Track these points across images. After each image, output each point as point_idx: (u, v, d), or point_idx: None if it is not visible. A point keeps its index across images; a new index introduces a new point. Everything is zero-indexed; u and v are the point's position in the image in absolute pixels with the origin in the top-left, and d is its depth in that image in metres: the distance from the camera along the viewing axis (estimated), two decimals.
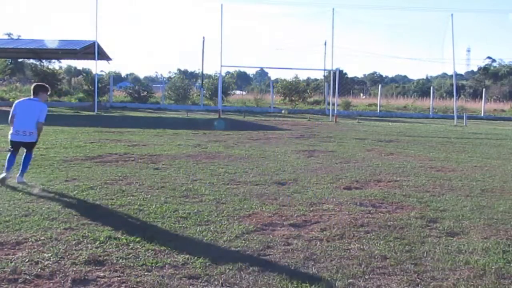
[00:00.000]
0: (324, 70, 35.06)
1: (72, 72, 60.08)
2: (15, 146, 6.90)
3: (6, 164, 6.76)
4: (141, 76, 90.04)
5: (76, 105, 30.05)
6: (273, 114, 28.52)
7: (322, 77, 46.94)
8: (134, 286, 3.46)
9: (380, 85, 38.17)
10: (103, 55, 29.24)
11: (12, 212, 5.16)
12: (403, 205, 6.02)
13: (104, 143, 11.53)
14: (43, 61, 39.32)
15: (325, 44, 34.70)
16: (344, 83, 37.41)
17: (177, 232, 4.69)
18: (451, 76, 39.85)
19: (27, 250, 4.07)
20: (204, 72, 41.78)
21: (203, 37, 40.20)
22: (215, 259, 3.96)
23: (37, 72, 33.85)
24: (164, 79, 51.90)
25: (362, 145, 12.72)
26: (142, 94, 33.93)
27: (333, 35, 27.30)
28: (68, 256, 3.95)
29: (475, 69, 74.37)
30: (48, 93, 7.31)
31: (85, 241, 4.33)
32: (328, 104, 29.99)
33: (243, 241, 4.45)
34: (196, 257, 3.99)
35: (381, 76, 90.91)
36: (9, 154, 6.90)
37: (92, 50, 26.84)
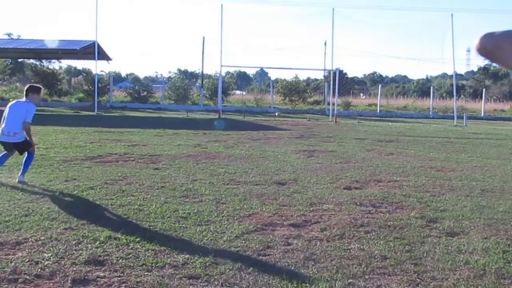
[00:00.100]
0: (324, 70, 35.05)
1: (72, 72, 60.06)
2: (4, 146, 7.01)
3: None
4: (141, 76, 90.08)
5: (76, 105, 30.05)
6: (273, 114, 28.52)
7: (322, 77, 46.94)
8: (134, 286, 3.46)
9: (380, 85, 38.18)
10: (103, 55, 29.24)
11: (12, 212, 5.16)
12: (403, 205, 6.02)
13: (104, 143, 11.53)
14: (43, 61, 39.29)
15: (325, 44, 34.69)
16: (344, 83, 37.36)
17: (177, 232, 4.69)
18: (451, 76, 39.87)
19: (27, 250, 4.07)
20: (204, 72, 41.81)
21: (203, 37, 40.22)
22: (215, 259, 3.96)
23: (37, 72, 33.85)
24: (164, 79, 51.98)
25: (362, 145, 12.72)
26: (142, 94, 33.93)
27: (333, 35, 27.31)
28: (68, 256, 3.95)
29: (475, 69, 74.29)
30: (41, 94, 7.36)
31: (85, 241, 4.33)
32: (328, 104, 29.98)
33: (243, 241, 4.45)
34: (196, 257, 3.99)
35: (381, 76, 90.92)
36: (2, 153, 7.03)
37: (92, 50, 26.84)
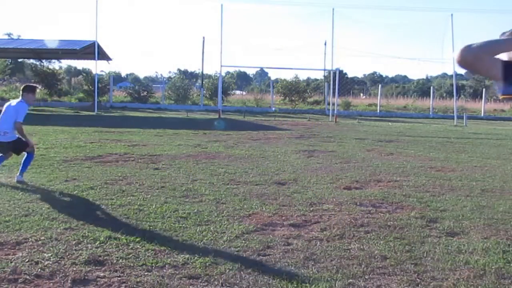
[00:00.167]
0: (324, 70, 35.04)
1: (72, 72, 60.04)
2: None
3: None
4: (141, 76, 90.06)
5: (76, 105, 30.05)
6: (273, 114, 28.52)
7: (322, 77, 46.94)
8: (134, 286, 3.46)
9: (380, 85, 38.18)
10: (103, 55, 29.23)
11: (12, 212, 5.16)
12: (403, 205, 6.02)
13: (104, 143, 11.53)
14: (43, 61, 39.28)
15: (325, 44, 34.68)
16: (344, 83, 37.34)
17: (177, 232, 4.69)
18: (451, 76, 39.86)
19: (27, 250, 4.07)
20: (204, 72, 41.80)
21: (203, 37, 40.21)
22: (215, 259, 3.96)
23: (37, 72, 33.86)
24: (164, 79, 51.98)
25: (362, 145, 12.72)
26: (142, 94, 33.92)
27: (333, 35, 27.32)
28: (68, 256, 3.95)
29: None
30: (35, 93, 7.31)
31: (85, 241, 4.33)
32: (328, 104, 29.99)
33: (243, 241, 4.45)
34: (196, 257, 3.99)
35: (381, 76, 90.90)
36: None
37: (92, 50, 26.83)
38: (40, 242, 4.27)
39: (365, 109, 35.16)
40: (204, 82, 36.82)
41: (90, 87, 30.41)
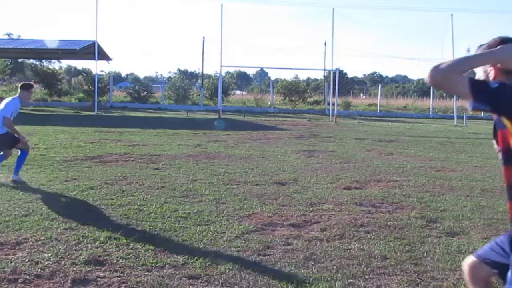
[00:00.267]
0: (324, 70, 35.05)
1: (72, 72, 60.04)
2: None
3: None
4: (141, 76, 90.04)
5: (76, 105, 30.04)
6: (273, 114, 28.52)
7: (322, 77, 46.95)
8: (134, 286, 3.46)
9: (380, 85, 38.17)
10: (103, 55, 29.22)
11: (12, 212, 5.16)
12: (403, 205, 6.02)
13: (104, 143, 11.53)
14: (43, 61, 39.29)
15: (325, 44, 34.68)
16: (344, 83, 37.33)
17: (177, 232, 4.69)
18: None
19: (27, 250, 4.07)
20: (204, 72, 41.78)
21: (203, 37, 40.21)
22: (215, 259, 3.96)
23: (37, 72, 33.84)
24: (164, 79, 51.97)
25: (362, 145, 12.72)
26: (142, 94, 33.90)
27: (333, 35, 27.32)
28: (68, 256, 3.95)
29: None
30: (30, 91, 7.24)
31: (85, 241, 4.33)
32: (328, 104, 29.98)
33: (243, 241, 4.45)
34: (196, 257, 3.99)
35: (381, 76, 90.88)
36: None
37: (92, 50, 26.82)
38: (40, 242, 4.27)
39: (365, 109, 35.15)
40: (204, 82, 36.80)
41: (90, 87, 30.39)
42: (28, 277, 3.53)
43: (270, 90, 36.48)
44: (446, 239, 4.68)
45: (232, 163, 8.97)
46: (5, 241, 4.27)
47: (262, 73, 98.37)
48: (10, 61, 43.23)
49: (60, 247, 4.15)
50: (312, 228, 4.97)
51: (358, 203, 6.03)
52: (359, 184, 7.31)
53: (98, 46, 26.67)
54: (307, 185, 7.12)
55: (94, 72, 30.53)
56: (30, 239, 4.33)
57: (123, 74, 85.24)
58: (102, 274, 3.62)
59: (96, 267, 3.75)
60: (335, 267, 3.89)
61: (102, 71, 48.95)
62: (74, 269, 3.69)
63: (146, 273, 3.66)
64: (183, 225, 4.92)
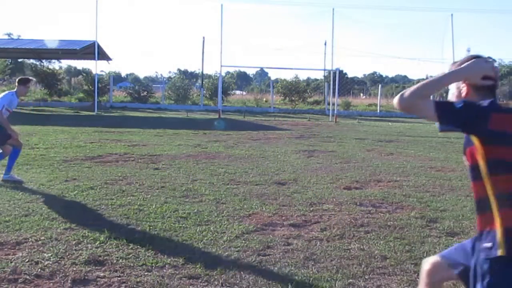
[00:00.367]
0: (324, 70, 35.06)
1: (72, 72, 60.03)
2: None
3: None
4: (141, 76, 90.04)
5: (76, 105, 30.04)
6: (273, 114, 28.52)
7: (322, 77, 46.95)
8: (134, 286, 3.46)
9: (380, 85, 38.16)
10: (103, 55, 29.22)
11: (12, 212, 5.16)
12: (403, 205, 6.02)
13: (104, 143, 11.53)
14: (43, 61, 39.29)
15: (325, 44, 34.71)
16: (344, 83, 37.32)
17: (177, 232, 4.69)
18: None
19: (27, 250, 4.07)
20: (204, 72, 41.79)
21: (203, 37, 40.22)
22: (215, 259, 3.96)
23: (37, 72, 33.83)
24: (164, 79, 51.95)
25: (362, 145, 12.72)
26: (142, 94, 33.90)
27: (333, 35, 27.30)
28: (68, 256, 3.95)
29: None
30: (26, 85, 7.10)
31: (85, 241, 4.33)
32: (328, 104, 29.98)
33: (243, 241, 4.45)
34: (196, 257, 3.99)
35: (381, 76, 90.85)
36: None
37: (92, 50, 26.82)
38: (40, 242, 4.27)
39: (365, 109, 35.15)
40: (204, 82, 36.80)
41: (90, 87, 30.38)
42: (28, 277, 3.53)
43: (270, 90, 36.47)
44: (446, 239, 4.69)
45: (232, 163, 8.97)
46: (5, 241, 4.27)
47: (262, 73, 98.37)
48: (10, 61, 43.25)
49: (60, 247, 4.15)
50: (312, 228, 4.97)
51: (358, 203, 6.03)
52: (359, 184, 7.31)
53: (98, 46, 26.67)
54: (307, 185, 7.12)
55: (94, 72, 30.54)
56: (30, 239, 4.33)
57: (123, 74, 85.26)
58: (102, 274, 3.62)
59: (96, 267, 3.75)
60: (335, 267, 3.89)
61: (102, 71, 48.96)
62: (74, 269, 3.69)
63: (146, 273, 3.66)
64: (183, 225, 4.92)
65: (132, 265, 3.82)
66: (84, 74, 35.50)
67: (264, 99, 32.79)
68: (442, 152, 11.60)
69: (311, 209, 5.70)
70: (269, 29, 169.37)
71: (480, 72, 2.05)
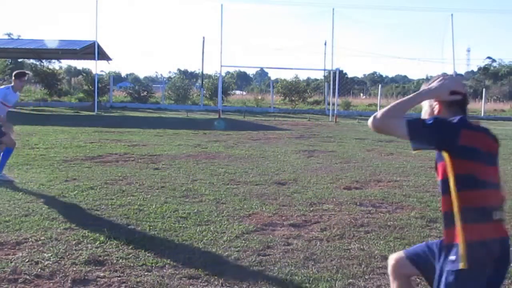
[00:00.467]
0: (324, 70, 35.04)
1: (72, 72, 60.04)
2: None
3: None
4: (141, 76, 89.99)
5: (76, 105, 30.02)
6: (273, 114, 28.52)
7: (322, 77, 46.94)
8: (134, 286, 3.46)
9: (380, 85, 38.12)
10: (103, 55, 29.21)
11: (12, 212, 5.16)
12: (403, 205, 6.02)
13: (104, 143, 11.53)
14: (43, 61, 39.29)
15: (325, 44, 34.66)
16: (344, 83, 37.32)
17: (177, 232, 4.69)
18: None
19: (27, 250, 4.07)
20: (204, 72, 41.75)
21: (203, 37, 40.17)
22: (215, 259, 3.96)
23: (37, 72, 33.83)
24: (164, 79, 51.94)
25: (362, 145, 12.72)
26: (142, 94, 33.88)
27: (333, 35, 27.29)
28: (68, 256, 3.95)
29: (475, 69, 74.27)
30: (21, 79, 7.01)
31: (85, 241, 4.33)
32: (328, 104, 29.98)
33: (243, 241, 4.45)
34: (196, 257, 3.99)
35: (381, 76, 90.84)
36: None
37: (92, 50, 26.81)
38: (40, 242, 4.27)
39: (365, 109, 35.12)
40: (204, 82, 36.78)
41: (90, 87, 30.36)
42: (28, 277, 3.53)
43: (270, 90, 36.46)
44: None
45: (232, 163, 8.97)
46: (5, 241, 4.27)
47: (262, 73, 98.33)
48: (10, 61, 43.23)
49: (60, 247, 4.15)
50: (312, 228, 4.97)
51: (358, 203, 6.03)
52: (359, 184, 7.31)
53: (98, 46, 26.66)
54: (307, 185, 7.12)
55: (94, 72, 30.53)
56: (30, 239, 4.33)
57: (123, 74, 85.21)
58: (102, 274, 3.62)
59: (96, 267, 3.75)
60: (335, 267, 3.89)
61: (102, 71, 48.93)
62: (74, 269, 3.69)
63: (146, 273, 3.66)
64: (183, 225, 4.92)
65: (132, 265, 3.82)
66: (84, 74, 35.49)
67: (259, 97, 32.80)
68: None
69: (311, 209, 5.70)
70: (269, 29, 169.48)
71: (447, 88, 2.14)
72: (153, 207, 5.56)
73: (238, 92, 52.33)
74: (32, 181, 6.84)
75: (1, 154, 6.86)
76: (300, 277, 3.66)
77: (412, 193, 6.67)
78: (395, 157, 10.56)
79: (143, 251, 4.11)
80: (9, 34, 54.75)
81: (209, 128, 16.90)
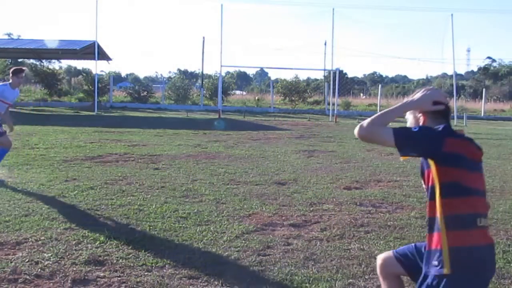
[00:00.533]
0: (324, 70, 35.03)
1: (72, 72, 60.02)
2: None
3: None
4: (141, 76, 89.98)
5: (76, 105, 30.02)
6: (273, 114, 28.52)
7: (322, 77, 46.93)
8: (134, 286, 3.46)
9: (380, 85, 38.14)
10: (103, 55, 29.21)
11: (12, 212, 5.16)
12: (403, 205, 6.02)
13: (104, 143, 11.53)
14: (43, 61, 39.28)
15: (325, 44, 34.66)
16: (344, 83, 37.34)
17: (177, 232, 4.69)
18: (451, 76, 39.88)
19: (27, 250, 4.07)
20: (204, 72, 41.75)
21: (203, 37, 40.18)
22: (215, 259, 3.96)
23: (37, 72, 33.83)
24: (164, 79, 51.93)
25: (362, 145, 12.71)
26: (142, 94, 33.89)
27: (333, 35, 27.30)
28: (68, 256, 3.95)
29: (475, 69, 74.29)
30: (18, 76, 6.96)
31: (85, 241, 4.33)
32: (328, 104, 29.98)
33: (243, 241, 4.45)
34: (196, 257, 3.99)
35: (381, 76, 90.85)
36: None
37: (92, 50, 26.81)
38: (40, 242, 4.27)
39: (365, 109, 35.13)
40: (204, 82, 36.78)
41: (90, 87, 30.37)
42: (28, 277, 3.53)
43: (270, 90, 36.46)
44: None
45: (232, 163, 8.97)
46: (5, 241, 4.27)
47: (262, 73, 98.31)
48: (10, 61, 43.21)
49: (60, 247, 4.15)
50: (312, 228, 4.97)
51: (358, 203, 6.03)
52: (359, 184, 7.31)
53: (98, 46, 26.67)
54: (307, 185, 7.12)
55: (94, 72, 30.55)
56: (30, 239, 4.33)
57: (123, 74, 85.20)
58: (102, 274, 3.62)
59: (96, 267, 3.75)
60: (335, 267, 3.89)
61: (102, 71, 48.93)
62: (74, 269, 3.69)
63: (146, 273, 3.66)
64: (183, 225, 4.92)
65: (132, 265, 3.82)
66: (84, 74, 35.49)
67: (256, 97, 32.87)
68: None
69: (311, 209, 5.70)
70: (269, 29, 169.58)
71: (429, 99, 2.21)
72: (153, 207, 5.56)
73: (238, 92, 52.32)
74: (32, 181, 6.84)
75: None
76: (300, 277, 3.66)
77: (412, 193, 6.67)
78: (395, 157, 10.56)
79: (143, 251, 4.11)
80: (9, 34, 54.76)
81: (209, 128, 16.90)
